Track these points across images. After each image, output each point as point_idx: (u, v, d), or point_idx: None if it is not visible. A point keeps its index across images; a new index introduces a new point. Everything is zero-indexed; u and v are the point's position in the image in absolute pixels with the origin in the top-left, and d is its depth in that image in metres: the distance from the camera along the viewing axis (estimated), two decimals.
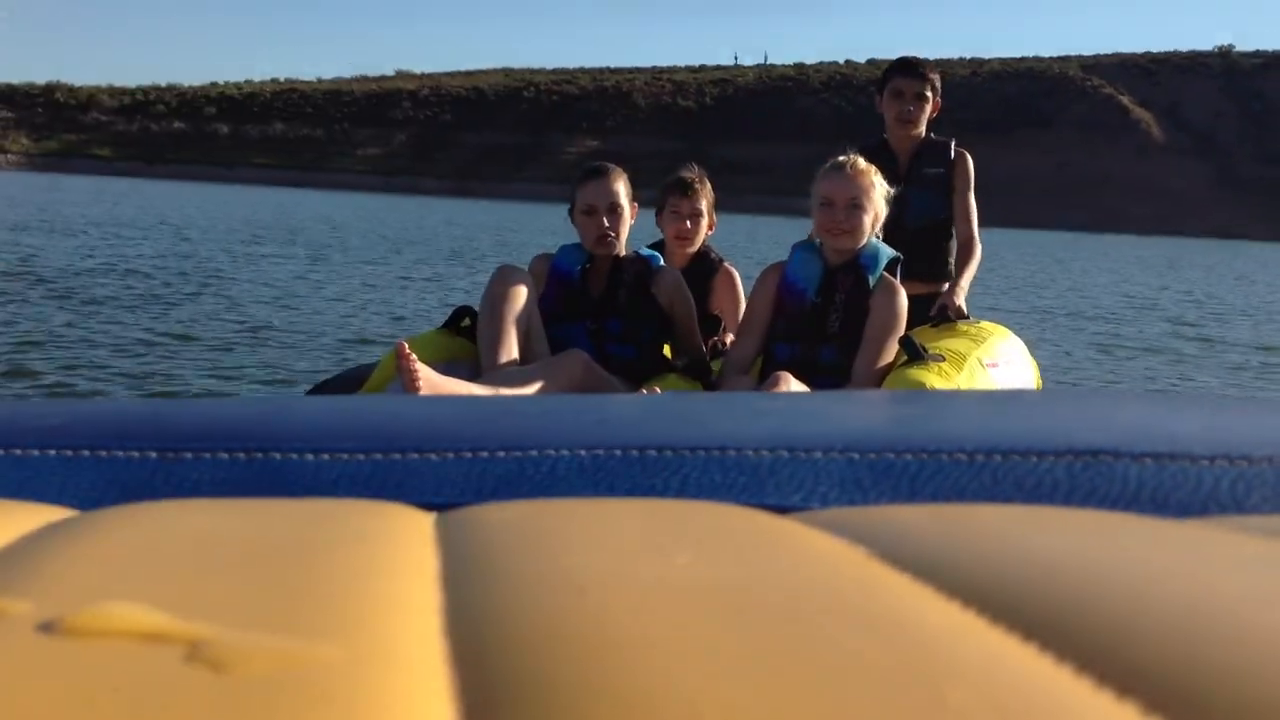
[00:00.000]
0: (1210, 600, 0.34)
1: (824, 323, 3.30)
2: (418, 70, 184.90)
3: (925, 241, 3.85)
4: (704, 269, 3.96)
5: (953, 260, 4.10)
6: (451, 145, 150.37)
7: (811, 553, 0.42)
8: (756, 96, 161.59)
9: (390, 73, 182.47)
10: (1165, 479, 0.57)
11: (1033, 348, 3.94)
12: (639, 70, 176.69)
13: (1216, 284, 25.16)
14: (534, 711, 0.27)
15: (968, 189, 4.07)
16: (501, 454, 0.60)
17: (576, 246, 3.61)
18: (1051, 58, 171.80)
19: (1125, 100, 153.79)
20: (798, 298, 3.33)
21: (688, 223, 3.88)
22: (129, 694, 0.26)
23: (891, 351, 3.25)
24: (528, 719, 0.27)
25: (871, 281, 3.30)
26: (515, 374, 3.13)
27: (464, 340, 3.43)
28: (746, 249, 23.19)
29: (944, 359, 3.19)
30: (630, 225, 3.58)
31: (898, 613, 0.34)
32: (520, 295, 3.27)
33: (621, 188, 3.53)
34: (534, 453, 0.60)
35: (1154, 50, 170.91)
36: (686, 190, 3.88)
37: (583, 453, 0.60)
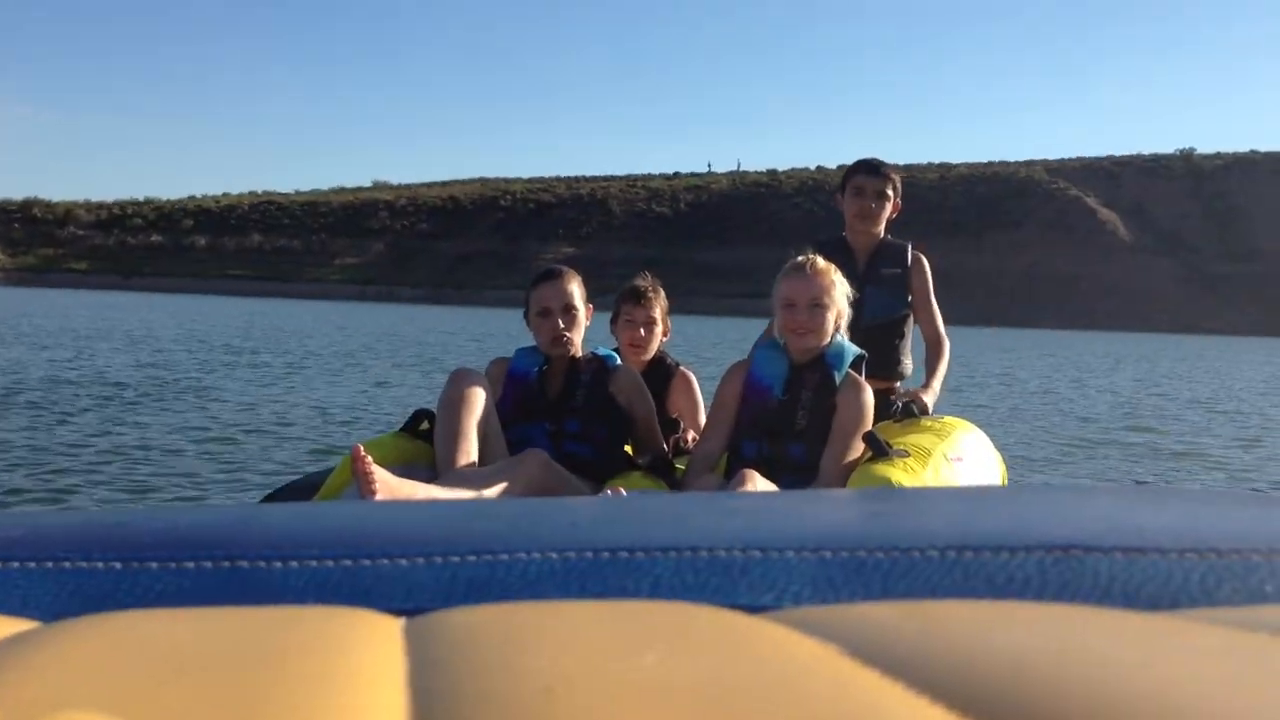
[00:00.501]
0: (1179, 691, 0.34)
1: (791, 420, 3.27)
2: (395, 181, 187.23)
3: (880, 339, 3.84)
4: (660, 373, 3.97)
5: (905, 358, 4.11)
6: (428, 253, 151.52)
7: (782, 651, 0.42)
8: (730, 202, 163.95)
9: (367, 184, 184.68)
10: (1135, 573, 0.57)
11: (999, 443, 3.91)
12: (614, 178, 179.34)
13: (1192, 378, 25.35)
14: None
15: (927, 290, 4.09)
16: (472, 558, 0.59)
17: (533, 349, 3.61)
18: (1018, 162, 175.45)
19: (1091, 201, 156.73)
20: (764, 395, 3.31)
21: (641, 330, 3.89)
22: None
23: (858, 448, 3.22)
24: None
25: (837, 379, 3.28)
26: (474, 475, 3.08)
27: (422, 443, 3.39)
28: (721, 350, 23.24)
29: (909, 454, 3.15)
30: (586, 326, 3.57)
31: (867, 711, 0.34)
32: (477, 397, 3.23)
33: (575, 289, 3.53)
34: (504, 556, 0.59)
35: (1117, 154, 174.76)
36: (640, 298, 3.90)
37: (554, 555, 0.59)
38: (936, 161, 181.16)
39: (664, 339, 3.99)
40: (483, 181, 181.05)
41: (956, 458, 3.30)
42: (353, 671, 0.38)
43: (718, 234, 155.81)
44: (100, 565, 0.58)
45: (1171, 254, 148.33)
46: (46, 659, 0.39)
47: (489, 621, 0.46)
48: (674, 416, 3.89)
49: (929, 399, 3.82)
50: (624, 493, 2.94)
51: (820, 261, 3.30)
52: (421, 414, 3.45)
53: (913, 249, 4.14)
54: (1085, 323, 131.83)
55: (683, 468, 3.43)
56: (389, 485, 2.82)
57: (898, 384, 4.09)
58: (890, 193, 4.07)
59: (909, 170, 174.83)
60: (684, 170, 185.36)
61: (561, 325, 3.48)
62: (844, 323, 3.33)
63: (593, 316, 3.63)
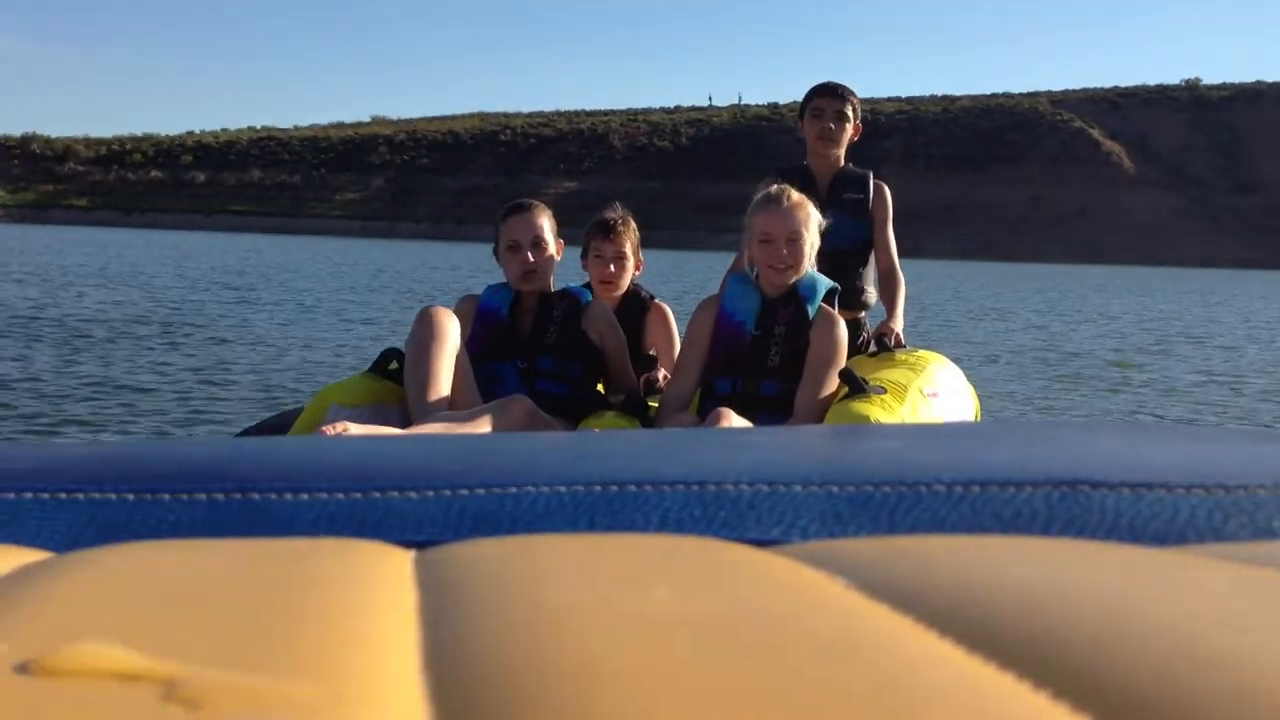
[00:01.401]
0: (1186, 626, 0.35)
1: (764, 356, 3.23)
2: (394, 116, 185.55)
3: (843, 266, 3.78)
4: (635, 308, 3.90)
5: (869, 288, 4.07)
6: (428, 189, 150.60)
7: (790, 585, 0.42)
8: (731, 136, 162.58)
9: (366, 119, 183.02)
10: (1143, 508, 0.57)
11: (973, 377, 3.88)
12: (614, 112, 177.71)
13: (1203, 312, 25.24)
14: None
15: (887, 221, 4.06)
16: (481, 491, 0.59)
17: (503, 285, 3.56)
18: (1021, 94, 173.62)
19: (1095, 133, 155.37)
20: (736, 331, 3.26)
21: (611, 266, 3.81)
22: None
23: (833, 384, 3.18)
24: None
25: (811, 313, 3.23)
26: (454, 421, 3.03)
27: (391, 383, 3.33)
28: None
29: (885, 391, 3.12)
30: (556, 261, 3.51)
31: (875, 643, 0.34)
32: (447, 336, 3.18)
33: (545, 222, 3.48)
34: (513, 490, 0.59)
35: (1121, 85, 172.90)
36: (609, 232, 3.81)
37: (562, 489, 0.59)
38: (939, 94, 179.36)
39: (637, 273, 3.92)
40: (482, 116, 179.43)
41: (932, 393, 3.27)
42: (364, 602, 0.38)
43: (719, 168, 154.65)
44: (113, 496, 0.58)
45: (1176, 186, 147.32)
46: (60, 589, 0.39)
47: (498, 554, 0.46)
48: (650, 353, 3.84)
49: (897, 328, 3.78)
50: (596, 431, 2.91)
51: (795, 193, 3.23)
52: (390, 353, 3.39)
53: (873, 178, 4.08)
54: (1089, 256, 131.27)
55: (656, 405, 3.39)
56: None
57: (862, 314, 4.05)
58: (849, 114, 4.03)
59: (911, 103, 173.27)
60: (685, 104, 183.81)
61: (531, 259, 3.42)
62: (813, 255, 3.27)
63: (563, 251, 3.57)
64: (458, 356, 3.22)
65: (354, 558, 0.46)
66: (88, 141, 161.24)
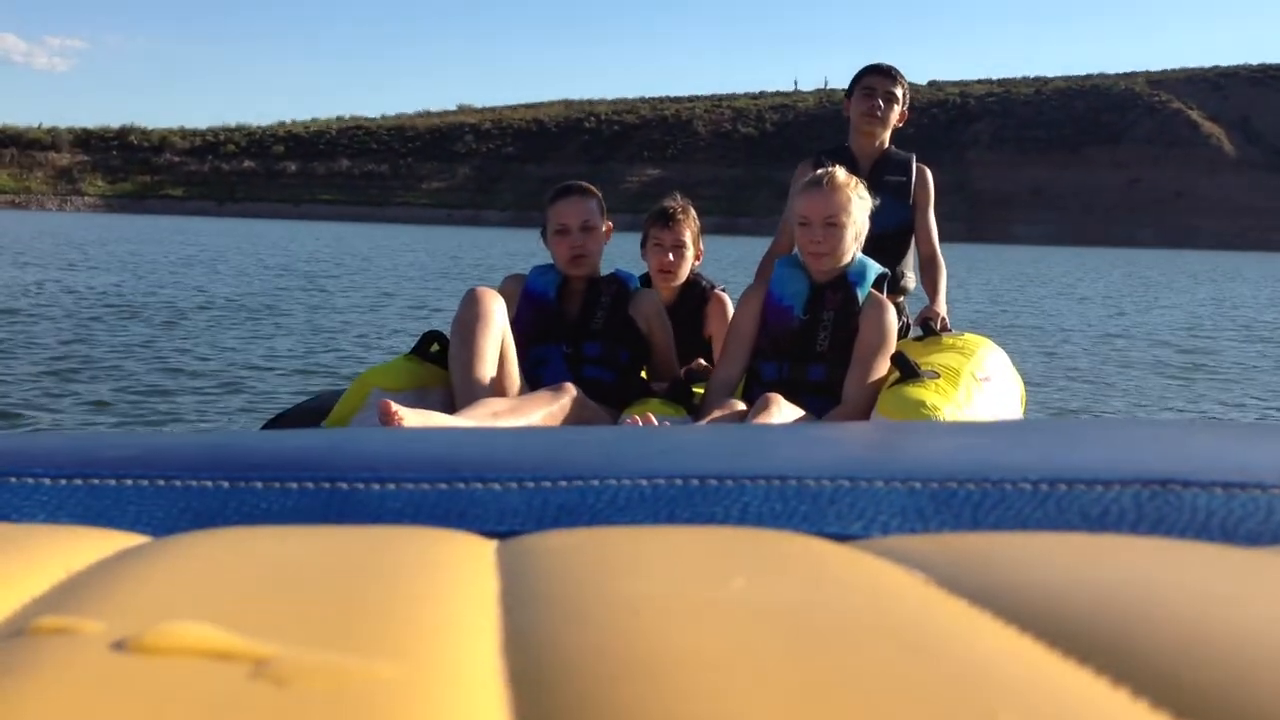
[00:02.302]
0: (1274, 629, 0.34)
1: (812, 341, 3.16)
2: (479, 104, 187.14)
3: (886, 249, 3.69)
4: (694, 297, 3.81)
5: (909, 273, 3.97)
6: (513, 177, 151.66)
7: (868, 578, 0.42)
8: (817, 121, 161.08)
9: (453, 107, 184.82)
10: (1235, 508, 0.56)
11: (1019, 363, 3.77)
12: (699, 98, 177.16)
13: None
14: None
15: (929, 205, 3.97)
16: (563, 483, 0.60)
17: (550, 267, 3.51)
18: (1117, 74, 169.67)
19: (1195, 115, 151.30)
20: (784, 316, 3.19)
21: (670, 255, 3.72)
22: (195, 709, 0.27)
23: (883, 369, 3.10)
24: None
25: (860, 298, 3.15)
26: (503, 408, 3.00)
27: (434, 367, 3.30)
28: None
29: (939, 375, 3.03)
30: (604, 245, 3.46)
31: (952, 637, 0.34)
32: (494, 319, 3.14)
33: (594, 206, 3.43)
34: (595, 482, 0.60)
35: (1222, 64, 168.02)
36: (668, 221, 3.72)
37: (643, 482, 0.60)
38: (1032, 75, 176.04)
39: (696, 263, 3.84)
40: (567, 103, 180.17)
41: (985, 377, 3.18)
42: (447, 589, 0.39)
43: (804, 153, 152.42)
44: (209, 484, 0.60)
45: (1278, 170, 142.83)
46: (156, 572, 0.41)
47: (579, 545, 0.47)
48: (709, 341, 3.77)
49: (943, 312, 3.69)
50: (653, 419, 2.87)
51: (840, 175, 3.14)
52: (431, 336, 3.36)
53: (916, 161, 3.98)
54: (1186, 242, 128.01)
55: (700, 392, 3.34)
56: (419, 425, 2.73)
57: (901, 299, 3.96)
58: (899, 95, 3.92)
59: (1003, 84, 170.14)
60: (769, 89, 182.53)
61: (580, 242, 3.38)
62: (861, 240, 3.18)
63: (611, 235, 3.52)
64: (504, 339, 3.20)
65: (438, 546, 0.47)
66: (183, 133, 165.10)
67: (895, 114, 3.93)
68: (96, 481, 0.60)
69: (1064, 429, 0.81)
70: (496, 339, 3.14)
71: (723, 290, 3.88)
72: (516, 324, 3.33)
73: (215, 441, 0.70)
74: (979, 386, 3.10)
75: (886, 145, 3.97)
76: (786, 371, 3.16)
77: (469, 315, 3.14)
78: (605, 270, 3.55)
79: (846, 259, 3.16)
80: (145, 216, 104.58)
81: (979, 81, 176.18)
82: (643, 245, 3.81)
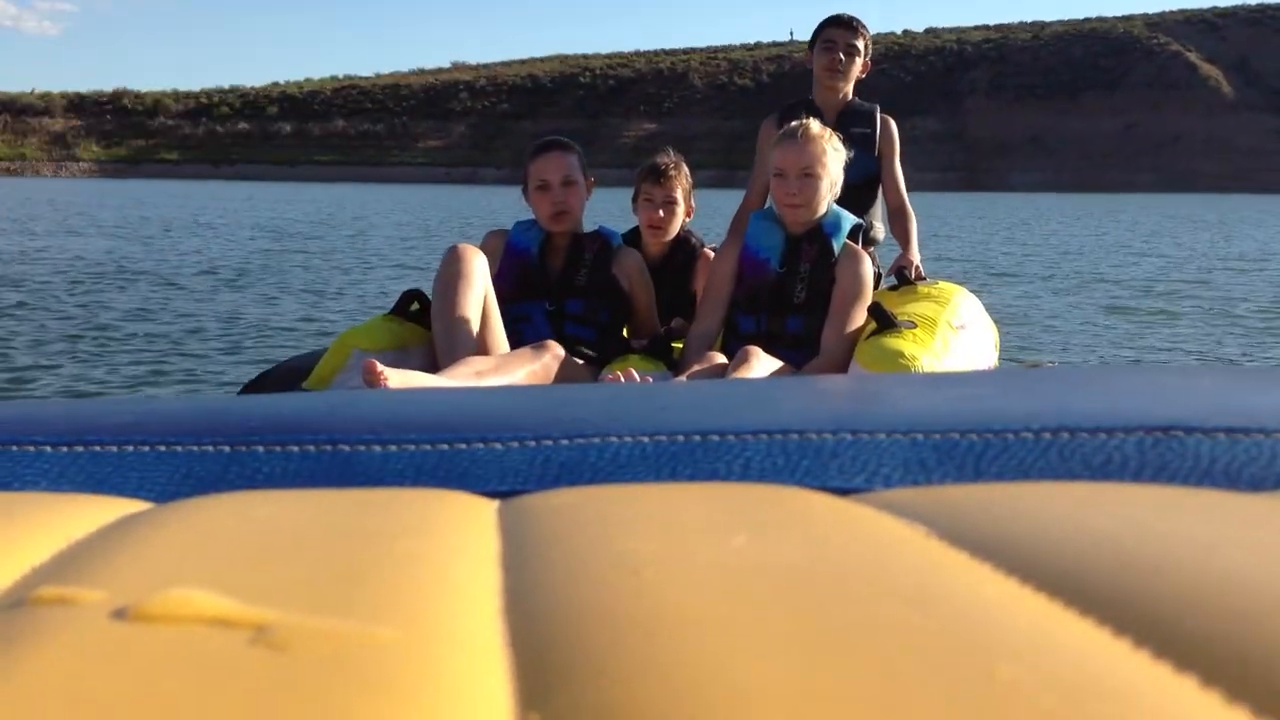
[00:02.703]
0: (1277, 572, 0.34)
1: (789, 293, 3.19)
2: (473, 61, 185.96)
3: (853, 201, 3.70)
4: (684, 254, 3.84)
5: (878, 223, 3.99)
6: (510, 134, 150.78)
7: (870, 533, 0.42)
8: (813, 72, 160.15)
9: (447, 65, 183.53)
10: (1239, 453, 0.56)
11: (993, 311, 3.79)
12: (694, 50, 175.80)
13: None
14: (589, 690, 0.27)
15: (894, 155, 3.97)
16: (565, 442, 0.60)
17: (532, 223, 3.51)
18: (1115, 17, 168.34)
19: (1193, 57, 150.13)
20: (760, 269, 3.22)
21: (660, 211, 3.73)
22: (195, 675, 0.27)
23: (860, 319, 3.14)
24: (583, 697, 0.27)
25: (836, 249, 3.18)
26: (487, 366, 3.02)
27: (414, 325, 3.31)
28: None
29: (915, 325, 3.06)
30: (585, 200, 3.47)
31: (953, 589, 0.34)
32: (475, 275, 3.15)
33: (574, 161, 3.44)
34: (596, 440, 0.60)
35: (1220, 5, 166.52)
36: (660, 177, 3.73)
37: (645, 439, 0.60)
38: (1029, 20, 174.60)
39: (687, 219, 3.85)
40: (561, 58, 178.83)
41: (960, 325, 3.21)
42: (448, 550, 0.39)
43: None
44: (210, 449, 0.60)
45: (1277, 109, 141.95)
46: (158, 538, 0.41)
47: (581, 503, 0.47)
48: (697, 297, 3.79)
49: (917, 260, 3.71)
50: (634, 375, 2.89)
51: (815, 127, 3.17)
52: (411, 294, 3.37)
53: (880, 112, 3.98)
54: (1185, 185, 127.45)
55: (679, 347, 3.37)
56: (404, 384, 2.73)
57: (871, 249, 3.98)
58: (860, 47, 3.91)
59: (999, 30, 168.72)
60: (765, 40, 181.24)
61: (562, 198, 3.39)
62: (836, 191, 3.21)
63: (593, 190, 3.53)
64: (485, 296, 3.21)
65: (439, 507, 0.47)
66: (176, 95, 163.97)
67: (857, 66, 3.92)
68: (98, 448, 0.60)
69: (1065, 377, 0.81)
70: (479, 296, 3.16)
71: (712, 249, 3.90)
72: (499, 280, 3.34)
73: (215, 406, 0.69)
74: (955, 334, 3.13)
75: (850, 97, 3.97)
76: (764, 324, 3.20)
77: (450, 273, 3.15)
78: (589, 227, 3.57)
79: (822, 210, 3.19)
80: (140, 181, 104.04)
81: (976, 28, 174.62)
82: (634, 200, 3.82)
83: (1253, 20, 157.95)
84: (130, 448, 0.60)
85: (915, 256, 3.73)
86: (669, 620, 0.31)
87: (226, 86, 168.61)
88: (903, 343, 2.96)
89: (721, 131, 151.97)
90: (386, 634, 0.30)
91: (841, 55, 3.87)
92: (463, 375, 2.92)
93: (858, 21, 3.96)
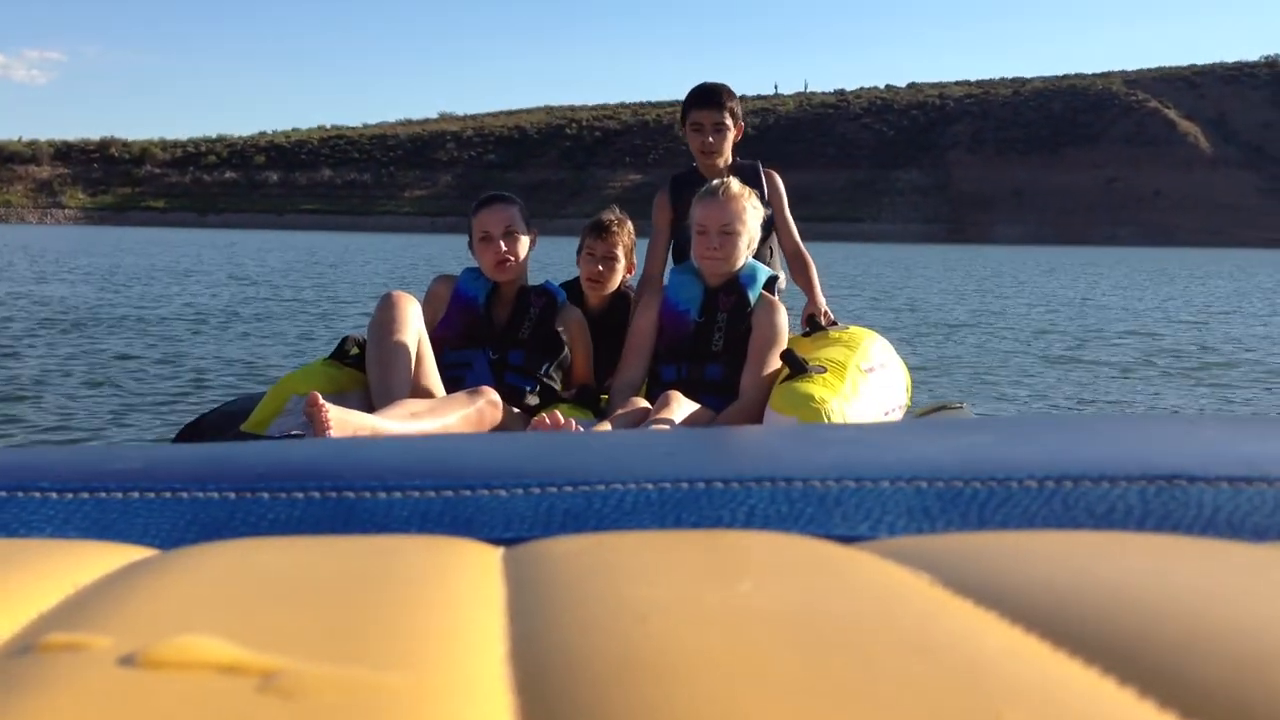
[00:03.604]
0: None
1: (708, 342, 3.34)
2: (460, 112, 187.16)
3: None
4: (623, 308, 3.96)
5: (777, 273, 4.13)
6: (496, 184, 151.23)
7: (874, 580, 0.42)
8: (797, 124, 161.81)
9: (434, 115, 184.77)
10: (1242, 503, 0.56)
11: (905, 353, 3.94)
12: (679, 103, 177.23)
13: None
14: None
15: (784, 206, 4.07)
16: (569, 489, 0.60)
17: (480, 272, 3.62)
18: (1094, 74, 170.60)
19: (1171, 114, 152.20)
20: (680, 320, 3.38)
21: (600, 266, 3.87)
22: None
23: (775, 364, 3.29)
24: None
25: (752, 299, 3.34)
26: (421, 409, 3.13)
27: (352, 370, 3.39)
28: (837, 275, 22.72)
29: (825, 370, 3.21)
30: (529, 251, 3.62)
31: (957, 638, 0.34)
32: (409, 321, 3.27)
33: (516, 213, 3.57)
34: (601, 487, 0.60)
35: (1198, 63, 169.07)
36: (602, 233, 3.88)
37: (649, 486, 0.60)
38: (1010, 76, 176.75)
39: (628, 275, 3.97)
40: (548, 110, 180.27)
41: (869, 368, 3.35)
42: (454, 597, 0.40)
43: (785, 157, 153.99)
44: (215, 495, 0.61)
45: (1255, 166, 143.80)
46: (165, 584, 0.41)
47: (585, 550, 0.47)
48: None
49: (824, 306, 3.85)
50: (560, 418, 3.03)
51: (735, 186, 3.33)
52: (349, 340, 3.47)
53: (763, 167, 4.12)
54: (1165, 240, 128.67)
55: (606, 398, 3.51)
56: (345, 422, 2.85)
57: (774, 298, 4.12)
58: (728, 121, 3.99)
59: (981, 86, 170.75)
60: (750, 93, 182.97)
61: (504, 248, 3.51)
62: (753, 247, 3.37)
63: (536, 242, 3.66)
64: (421, 342, 3.31)
65: (445, 554, 0.47)
66: (164, 144, 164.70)
67: (730, 136, 3.95)
68: (103, 495, 0.61)
69: (1069, 425, 0.82)
70: (413, 341, 3.27)
71: None
72: (445, 325, 3.47)
73: (221, 453, 0.70)
74: (864, 378, 3.28)
75: (730, 161, 4.08)
76: (685, 372, 3.34)
77: (384, 318, 3.27)
78: (535, 279, 3.69)
79: (739, 264, 3.35)
80: (123, 228, 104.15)
81: (957, 83, 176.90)
82: (578, 253, 3.96)
83: (1229, 78, 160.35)
84: (136, 494, 0.61)
85: (821, 302, 3.87)
86: (676, 667, 0.31)
87: (214, 136, 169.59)
88: (813, 387, 3.10)
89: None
90: (394, 680, 0.30)
91: (710, 137, 3.93)
92: (398, 416, 3.03)
93: (721, 95, 4.01)
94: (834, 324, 3.76)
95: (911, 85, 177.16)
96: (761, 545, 0.49)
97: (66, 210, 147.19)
